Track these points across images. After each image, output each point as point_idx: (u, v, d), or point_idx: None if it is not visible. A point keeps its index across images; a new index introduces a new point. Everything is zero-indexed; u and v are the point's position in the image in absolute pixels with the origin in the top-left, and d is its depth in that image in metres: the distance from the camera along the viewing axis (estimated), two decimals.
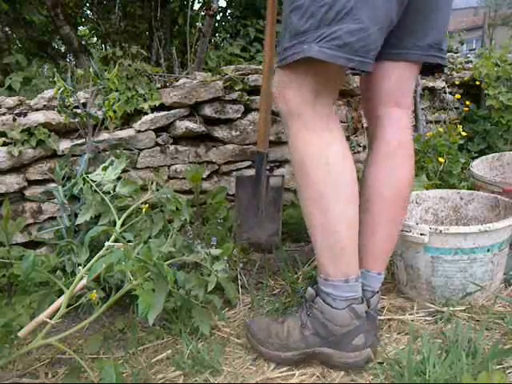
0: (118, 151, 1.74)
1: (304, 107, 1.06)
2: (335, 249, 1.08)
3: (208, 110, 1.95)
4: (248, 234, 1.76)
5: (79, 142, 1.72)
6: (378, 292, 1.21)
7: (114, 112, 1.74)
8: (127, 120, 1.87)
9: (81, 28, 3.45)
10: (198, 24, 2.89)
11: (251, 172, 2.07)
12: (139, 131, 1.83)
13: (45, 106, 1.74)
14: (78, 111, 1.65)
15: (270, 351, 1.15)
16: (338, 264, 1.09)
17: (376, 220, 1.19)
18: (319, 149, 1.06)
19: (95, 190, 1.30)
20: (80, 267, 1.14)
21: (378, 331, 1.22)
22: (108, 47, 2.95)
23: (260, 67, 2.10)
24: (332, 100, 1.10)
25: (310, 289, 1.15)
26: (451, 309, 1.30)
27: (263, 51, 1.77)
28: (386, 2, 0.99)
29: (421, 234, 1.31)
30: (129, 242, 1.18)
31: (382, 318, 1.32)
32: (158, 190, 1.33)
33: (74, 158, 1.70)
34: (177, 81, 1.96)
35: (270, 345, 1.15)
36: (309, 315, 1.13)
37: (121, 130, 1.83)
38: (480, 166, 2.00)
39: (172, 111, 1.90)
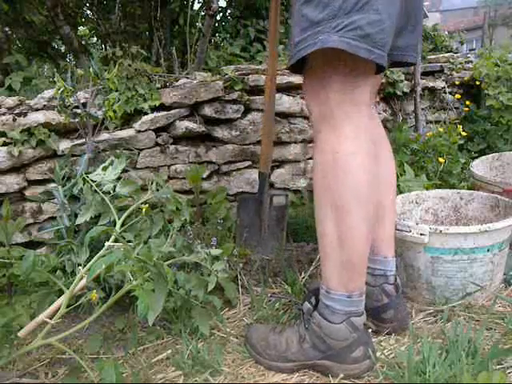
0: (117, 151, 1.74)
1: (335, 111, 1.00)
2: (345, 264, 1.04)
3: (208, 110, 1.95)
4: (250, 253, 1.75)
5: (79, 141, 1.72)
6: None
7: (114, 112, 1.74)
8: (127, 120, 1.87)
9: (81, 28, 3.45)
10: (198, 24, 2.90)
11: (250, 177, 2.07)
12: (139, 131, 1.83)
13: (45, 106, 1.74)
14: (78, 111, 1.65)
15: (268, 361, 1.14)
16: (344, 279, 1.05)
17: (388, 207, 1.24)
18: (346, 160, 1.00)
19: (95, 190, 1.30)
20: (80, 267, 1.14)
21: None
22: (108, 47, 2.94)
23: (260, 67, 2.10)
24: (367, 101, 1.04)
25: (306, 303, 1.13)
26: (451, 309, 1.30)
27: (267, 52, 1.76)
28: (397, 1, 0.97)
29: (421, 234, 1.31)
30: (129, 242, 1.18)
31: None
32: (158, 189, 1.33)
33: (74, 158, 1.70)
34: (177, 81, 1.96)
35: (267, 356, 1.14)
36: (307, 328, 1.11)
37: (121, 130, 1.83)
38: (480, 166, 2.00)
39: (172, 111, 1.90)
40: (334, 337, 1.07)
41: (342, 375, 1.08)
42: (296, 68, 1.05)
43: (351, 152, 1.00)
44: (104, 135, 1.77)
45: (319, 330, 1.08)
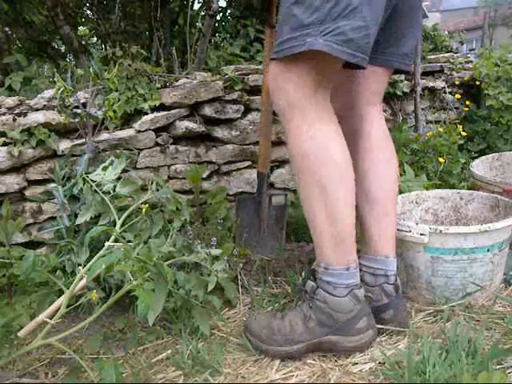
0: (117, 151, 1.74)
1: (305, 101, 1.07)
2: (338, 238, 1.11)
3: (208, 110, 1.95)
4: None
5: (79, 141, 1.72)
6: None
7: (114, 112, 1.74)
8: (127, 120, 1.87)
9: (81, 28, 3.44)
10: (198, 24, 2.89)
11: (250, 177, 2.07)
12: (139, 131, 1.83)
13: (45, 106, 1.74)
14: (78, 111, 1.65)
15: (275, 347, 1.15)
16: (340, 253, 1.12)
17: (389, 207, 1.27)
18: (322, 143, 1.08)
19: (95, 190, 1.30)
20: (80, 267, 1.14)
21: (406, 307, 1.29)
22: (108, 47, 2.94)
23: (260, 67, 2.10)
24: (329, 93, 1.12)
25: (309, 282, 1.17)
26: (451, 309, 1.30)
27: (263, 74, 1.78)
28: (381, 5, 1.04)
29: (421, 234, 1.31)
30: (129, 242, 1.18)
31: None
32: (158, 189, 1.33)
33: (74, 158, 1.70)
34: (177, 81, 1.96)
35: (273, 341, 1.16)
36: (311, 307, 1.15)
37: (121, 130, 1.83)
38: (480, 166, 2.00)
39: (172, 111, 1.90)
40: (339, 309, 1.12)
41: (341, 374, 1.08)
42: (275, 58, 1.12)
43: (324, 133, 1.08)
44: (104, 135, 1.77)
45: (325, 305, 1.13)
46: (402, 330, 1.22)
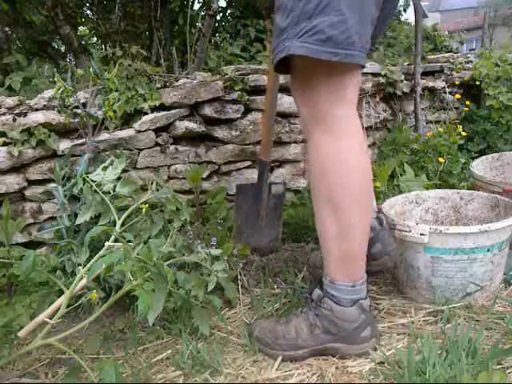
0: (118, 151, 1.74)
1: (326, 113, 1.03)
2: (347, 256, 1.10)
3: (208, 110, 1.95)
4: (248, 239, 1.76)
5: (79, 141, 1.72)
6: None
7: (114, 112, 1.74)
8: (127, 120, 1.87)
9: (81, 28, 3.44)
10: (198, 24, 2.89)
11: (250, 177, 2.07)
12: (139, 131, 1.83)
13: (45, 106, 1.74)
14: (78, 111, 1.65)
15: (278, 351, 1.16)
16: (347, 270, 1.12)
17: None
18: (339, 159, 1.04)
19: (95, 190, 1.30)
20: (80, 267, 1.14)
21: None
22: (108, 47, 2.94)
23: (260, 67, 2.10)
24: (354, 101, 1.06)
25: (317, 290, 1.17)
26: (451, 309, 1.30)
27: (268, 52, 1.78)
28: None
29: (421, 234, 1.31)
30: (129, 242, 1.18)
31: (382, 318, 1.32)
32: (158, 190, 1.33)
33: (74, 158, 1.70)
34: (177, 81, 1.96)
35: (277, 346, 1.16)
36: (317, 315, 1.16)
37: (121, 130, 1.83)
38: (480, 166, 2.00)
39: (172, 111, 1.90)
40: (345, 319, 1.13)
41: (341, 374, 1.08)
42: (282, 70, 1.08)
43: (345, 151, 1.04)
44: (104, 135, 1.77)
45: (331, 314, 1.13)
46: (393, 265, 1.29)
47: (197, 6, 3.35)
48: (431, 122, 2.86)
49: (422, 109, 2.77)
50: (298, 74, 1.05)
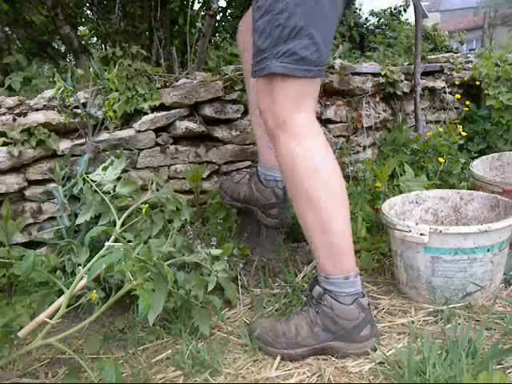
0: (118, 151, 1.74)
1: (290, 119, 1.13)
2: (333, 248, 1.14)
3: (208, 110, 1.95)
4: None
5: (79, 142, 1.72)
6: None
7: (114, 112, 1.74)
8: (127, 120, 1.86)
9: (81, 28, 3.45)
10: (198, 24, 2.89)
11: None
12: (139, 131, 1.83)
13: (45, 106, 1.74)
14: (78, 111, 1.65)
15: (280, 350, 1.17)
16: (337, 262, 1.16)
17: None
18: (307, 157, 1.14)
19: (95, 190, 1.31)
20: (80, 267, 1.14)
21: None
22: (108, 47, 2.94)
23: None
24: (313, 107, 1.18)
25: (317, 287, 1.19)
26: (451, 309, 1.30)
27: None
28: (331, 22, 1.14)
29: (421, 234, 1.31)
30: (129, 242, 1.18)
31: (381, 318, 1.32)
32: (157, 189, 1.33)
33: (74, 158, 1.70)
34: (177, 81, 1.95)
35: (278, 344, 1.17)
36: (318, 312, 1.17)
37: (121, 130, 1.83)
38: (480, 166, 2.00)
39: (172, 111, 1.90)
40: (345, 317, 1.15)
41: (341, 374, 1.08)
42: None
43: (311, 149, 1.14)
44: (104, 135, 1.77)
45: (331, 312, 1.15)
46: (283, 226, 1.61)
47: (197, 6, 3.35)
48: (431, 122, 2.86)
49: (422, 109, 2.77)
50: (268, 84, 1.14)
